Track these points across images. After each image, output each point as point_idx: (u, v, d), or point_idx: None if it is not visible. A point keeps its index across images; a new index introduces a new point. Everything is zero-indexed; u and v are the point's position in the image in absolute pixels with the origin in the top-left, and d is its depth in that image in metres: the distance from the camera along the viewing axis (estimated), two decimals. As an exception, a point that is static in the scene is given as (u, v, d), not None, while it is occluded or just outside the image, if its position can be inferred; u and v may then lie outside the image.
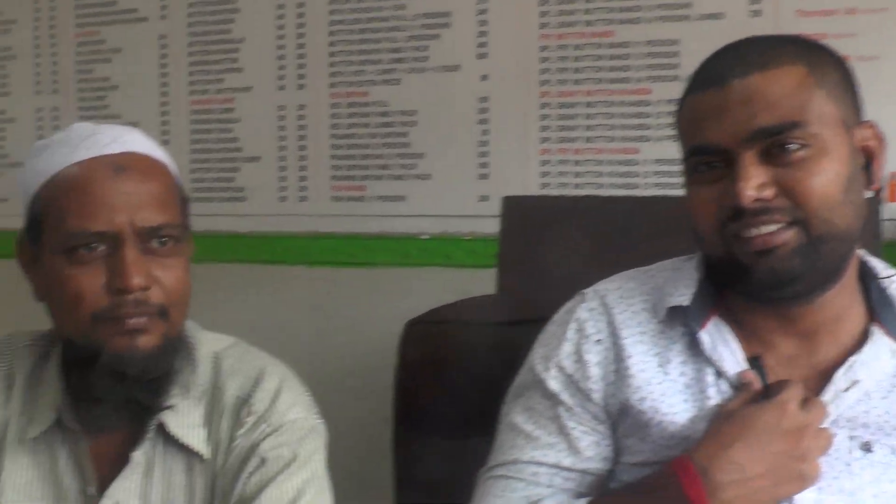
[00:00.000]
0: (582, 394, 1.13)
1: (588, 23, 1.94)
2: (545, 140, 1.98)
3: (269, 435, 1.16)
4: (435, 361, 1.46)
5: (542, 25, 1.98)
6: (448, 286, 2.00)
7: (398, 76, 2.10)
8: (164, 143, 2.27)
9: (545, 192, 1.97)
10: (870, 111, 1.08)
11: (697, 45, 1.86)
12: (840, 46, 1.15)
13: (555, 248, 1.50)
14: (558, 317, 1.20)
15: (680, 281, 1.13)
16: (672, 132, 1.86)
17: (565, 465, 1.13)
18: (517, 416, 1.17)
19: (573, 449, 1.13)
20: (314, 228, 2.20)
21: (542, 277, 1.53)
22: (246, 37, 2.25)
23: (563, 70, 1.97)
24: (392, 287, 2.11)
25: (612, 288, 1.18)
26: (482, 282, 1.91)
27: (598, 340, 1.14)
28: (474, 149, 2.03)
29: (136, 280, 1.06)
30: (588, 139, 1.96)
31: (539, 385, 1.16)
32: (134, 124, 2.23)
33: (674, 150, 1.86)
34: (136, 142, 1.15)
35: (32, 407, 1.19)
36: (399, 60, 2.10)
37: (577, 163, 1.97)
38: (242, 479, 1.14)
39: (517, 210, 1.64)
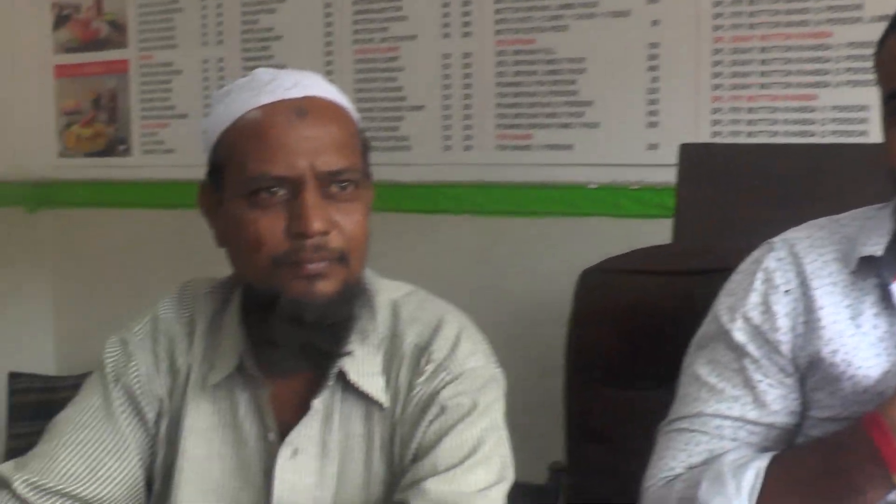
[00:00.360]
0: (769, 345, 1.20)
1: (765, -36, 2.09)
2: (717, 87, 2.15)
3: (448, 383, 1.22)
4: (611, 311, 1.54)
5: (717, -32, 2.13)
6: (615, 236, 2.16)
7: (566, 23, 2.30)
8: (329, 92, 2.57)
9: (716, 140, 2.14)
10: None
11: (884, -16, 1.99)
12: None
13: (735, 196, 1.61)
14: (744, 266, 1.27)
15: (873, 230, 1.19)
16: (853, 77, 2.02)
17: (750, 419, 1.20)
18: (701, 367, 1.24)
19: (759, 402, 1.19)
20: (479, 178, 2.43)
21: (722, 227, 1.63)
22: (411, -17, 2.49)
23: (737, 14, 2.12)
24: (557, 237, 2.30)
25: (802, 237, 1.24)
26: (651, 232, 2.06)
27: (787, 291, 1.21)
28: (643, 96, 2.21)
29: (316, 224, 1.13)
30: (762, 86, 2.11)
31: (724, 336, 1.23)
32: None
33: (854, 97, 2.03)
34: (318, 86, 1.22)
35: (214, 353, 1.28)
36: (567, 6, 2.29)
37: (750, 110, 2.13)
38: (422, 428, 1.21)
39: (695, 158, 1.74)
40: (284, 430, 1.24)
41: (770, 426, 1.21)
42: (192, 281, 1.37)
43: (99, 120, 3.06)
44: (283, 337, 1.18)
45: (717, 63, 2.14)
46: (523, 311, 2.30)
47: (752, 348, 1.21)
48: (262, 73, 1.23)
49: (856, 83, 2.04)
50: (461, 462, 1.18)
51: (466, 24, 2.42)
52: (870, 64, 2.01)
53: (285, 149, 1.15)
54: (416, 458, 1.21)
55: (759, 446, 1.20)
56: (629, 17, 2.23)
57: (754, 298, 1.23)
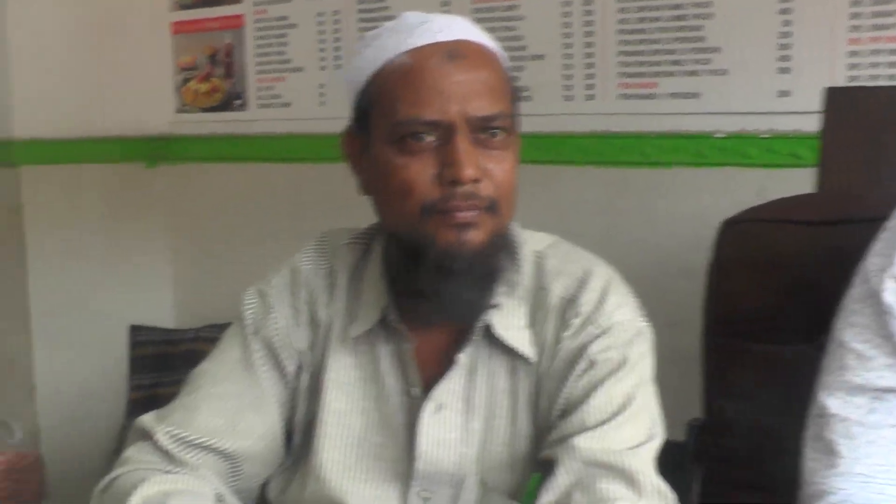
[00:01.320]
0: None
1: None
2: (855, 28, 2.09)
3: (597, 337, 1.22)
4: (754, 262, 1.53)
5: None
6: (743, 187, 2.15)
7: (695, -38, 2.26)
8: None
9: (854, 84, 2.09)
10: None
11: None
12: None
13: (884, 143, 1.58)
14: (893, 223, 1.23)
15: None
16: None
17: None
18: (846, 332, 1.22)
19: None
20: (602, 128, 2.42)
21: (870, 175, 1.61)
22: (531, -68, 2.48)
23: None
24: (684, 188, 2.29)
25: None
26: (783, 182, 2.05)
27: None
28: (774, 41, 2.16)
29: (469, 171, 1.11)
30: (906, 24, 2.05)
31: (873, 299, 1.20)
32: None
33: None
34: (468, 30, 1.21)
35: (355, 305, 1.28)
36: (692, -53, 2.26)
37: (892, 52, 2.07)
38: (570, 383, 1.21)
39: (841, 102, 1.72)
40: (428, 385, 1.25)
41: None
42: (330, 232, 1.37)
43: (215, 75, 3.14)
44: (431, 287, 1.17)
45: (855, 3, 2.08)
46: (648, 264, 2.29)
47: None
48: (411, 17, 1.22)
49: None
50: (611, 418, 1.17)
51: (590, -31, 2.40)
52: None
53: (436, 92, 1.13)
54: (564, 413, 1.21)
55: None
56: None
57: None
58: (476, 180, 1.13)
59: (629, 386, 1.20)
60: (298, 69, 2.95)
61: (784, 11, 2.15)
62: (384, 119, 1.17)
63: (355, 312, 1.28)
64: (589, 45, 2.42)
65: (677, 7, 2.28)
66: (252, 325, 1.30)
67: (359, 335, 1.27)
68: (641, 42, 2.35)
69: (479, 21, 2.51)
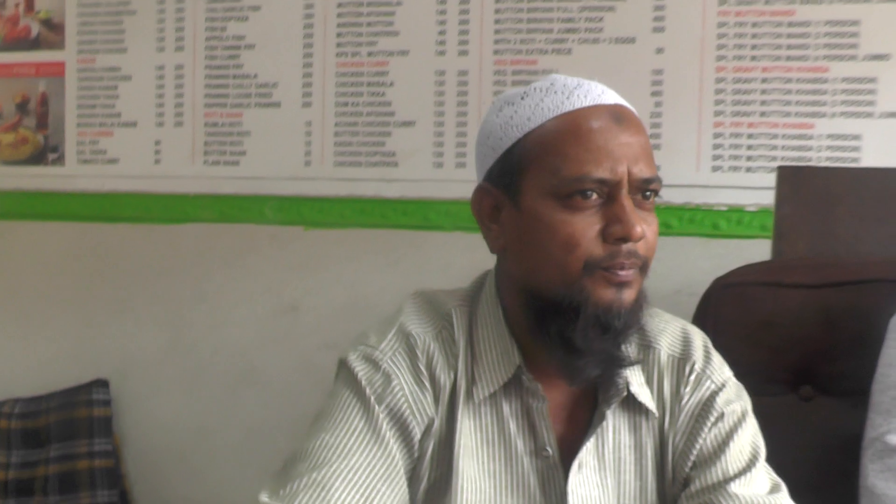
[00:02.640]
0: None
1: (767, 1, 2.32)
2: (719, 114, 2.35)
3: (716, 392, 1.30)
4: (751, 322, 1.63)
5: (721, 2, 2.34)
6: None
7: (569, 46, 2.44)
8: (306, 104, 2.60)
9: (717, 163, 2.34)
10: None
11: (877, 26, 2.26)
12: None
13: (832, 216, 1.78)
14: None
15: None
16: (847, 109, 2.26)
17: None
18: None
19: None
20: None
21: (821, 245, 1.80)
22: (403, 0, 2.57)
23: (740, 46, 2.33)
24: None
25: None
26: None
27: None
28: (646, 120, 2.37)
29: (639, 229, 1.15)
30: (763, 114, 2.34)
31: None
32: (271, 85, 2.59)
33: (848, 127, 2.27)
34: (619, 96, 1.26)
35: (476, 367, 1.27)
36: (571, 31, 2.44)
37: (750, 136, 2.34)
38: (702, 435, 1.28)
39: (792, 179, 1.92)
40: (560, 444, 1.27)
41: None
42: (422, 294, 1.37)
43: (24, 125, 2.93)
44: (588, 345, 1.18)
45: (719, 91, 2.35)
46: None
47: None
48: (565, 79, 1.25)
49: (849, 114, 2.29)
50: (749, 467, 1.26)
51: (463, 42, 2.52)
52: (862, 97, 2.29)
53: (608, 152, 1.17)
54: (698, 465, 1.28)
55: None
56: (634, 43, 2.40)
57: None
58: (640, 239, 1.17)
59: (752, 436, 1.30)
60: (130, 124, 2.82)
61: (656, 94, 2.38)
62: (546, 176, 1.19)
63: (478, 373, 1.27)
64: (461, 113, 2.52)
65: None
66: (374, 394, 1.25)
67: (485, 397, 1.27)
68: (515, 114, 2.48)
69: (343, 85, 2.62)
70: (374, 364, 1.27)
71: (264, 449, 2.69)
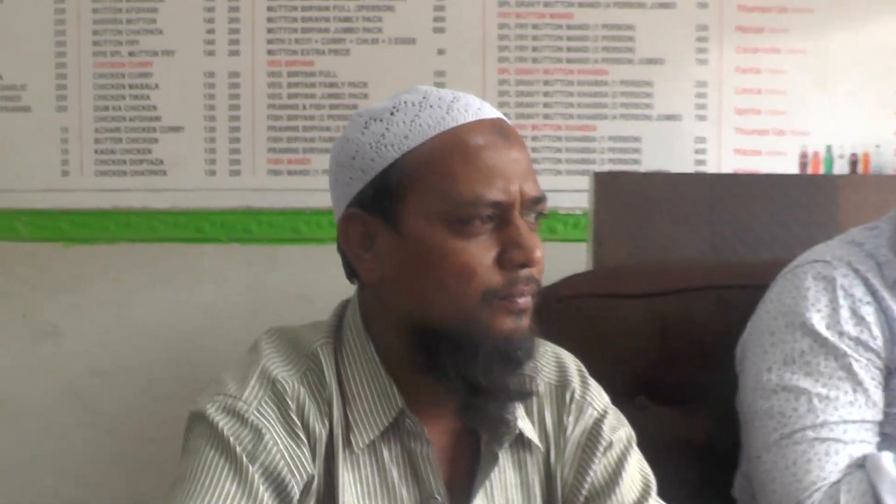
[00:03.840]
0: (872, 352, 1.37)
1: (547, 4, 2.32)
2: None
3: (601, 419, 1.23)
4: (589, 335, 1.57)
5: (501, 3, 2.32)
6: None
7: (347, 47, 2.36)
8: (61, 108, 2.40)
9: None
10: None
11: (651, 31, 2.31)
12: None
13: (645, 220, 1.78)
14: (811, 283, 1.43)
15: (882, 247, 1.43)
16: (627, 112, 2.30)
17: (868, 419, 1.36)
18: (802, 381, 1.38)
19: (871, 402, 1.36)
20: (248, 204, 2.40)
21: (637, 249, 1.80)
22: (166, -4, 2.41)
23: (521, 48, 2.32)
24: (337, 265, 2.34)
25: (844, 255, 1.44)
26: None
27: (868, 302, 1.39)
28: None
29: (539, 252, 1.07)
30: (546, 116, 2.34)
31: (824, 349, 1.38)
32: (19, 87, 2.37)
33: (628, 128, 2.31)
34: (493, 108, 1.15)
35: (352, 411, 1.15)
36: (348, 31, 2.35)
37: (534, 139, 2.34)
38: (593, 466, 1.21)
39: (608, 185, 1.90)
40: (449, 488, 1.17)
41: (877, 423, 1.38)
42: (279, 331, 1.21)
43: None
44: (490, 380, 1.09)
45: (503, 93, 2.33)
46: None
47: (857, 355, 1.37)
48: (438, 91, 1.14)
49: (629, 117, 2.32)
50: (644, 497, 1.22)
51: (234, 41, 2.39)
52: (640, 100, 2.34)
53: (498, 171, 1.08)
54: (590, 498, 1.22)
55: (874, 443, 1.36)
56: (415, 44, 2.34)
57: (845, 313, 1.39)
58: (539, 263, 1.09)
59: (639, 462, 1.25)
60: None
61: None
62: (434, 200, 1.08)
63: (353, 419, 1.14)
64: (234, 118, 2.39)
65: (332, 85, 2.36)
66: (244, 451, 1.10)
67: (365, 445, 1.13)
68: (293, 118, 2.38)
69: (102, 87, 2.42)
70: (240, 417, 1.11)
71: (30, 489, 2.47)
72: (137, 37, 2.41)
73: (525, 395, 1.17)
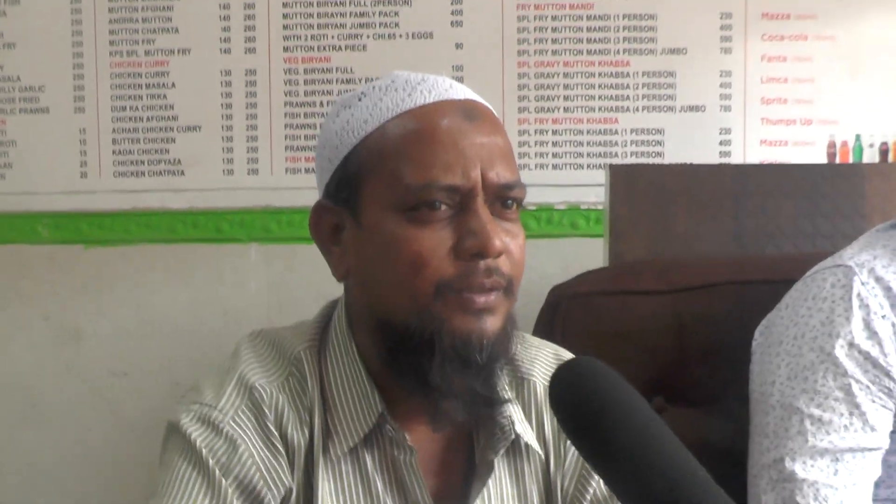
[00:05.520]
0: (879, 369, 1.27)
1: (566, -7, 2.30)
2: (523, 110, 2.31)
3: None
4: (602, 333, 1.54)
5: (520, -5, 2.31)
6: None
7: (364, 42, 2.35)
8: (79, 109, 2.41)
9: (523, 161, 2.30)
10: None
11: (673, 20, 2.28)
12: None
13: (671, 214, 1.75)
14: (828, 293, 1.34)
15: None
16: (649, 103, 2.27)
17: (864, 445, 1.26)
18: (798, 398, 1.29)
19: (867, 427, 1.26)
20: (267, 203, 2.40)
21: (655, 244, 1.77)
22: (182, -6, 2.41)
23: (541, 41, 2.30)
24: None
25: (869, 258, 1.34)
26: None
27: (884, 316, 1.29)
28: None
29: (497, 242, 1.00)
30: (566, 109, 2.31)
31: (826, 365, 1.29)
32: (38, 88, 2.38)
33: (651, 121, 2.28)
34: (469, 90, 1.10)
35: (332, 417, 1.10)
36: (365, 26, 2.34)
37: (555, 132, 2.31)
38: (595, 479, 1.15)
39: (623, 178, 1.86)
40: (436, 499, 1.12)
41: (878, 449, 1.29)
42: (261, 335, 1.16)
43: None
44: (447, 383, 1.02)
45: (522, 87, 2.30)
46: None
47: (860, 374, 1.28)
48: (408, 75, 1.09)
49: (651, 108, 2.29)
50: None
51: (250, 39, 2.38)
52: (662, 91, 2.31)
53: (456, 154, 1.01)
54: None
55: (871, 473, 1.28)
56: (432, 39, 2.32)
57: (857, 325, 1.29)
58: (499, 254, 1.01)
59: None
60: None
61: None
62: (387, 186, 1.03)
63: (333, 425, 1.09)
64: (251, 116, 2.39)
65: (349, 81, 2.35)
66: (218, 464, 1.05)
67: (346, 451, 1.08)
68: (310, 115, 2.37)
69: (118, 87, 2.43)
70: (214, 427, 1.06)
71: (53, 491, 2.49)
72: (153, 36, 2.41)
73: (495, 401, 1.08)
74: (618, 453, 0.77)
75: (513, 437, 1.11)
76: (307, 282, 2.41)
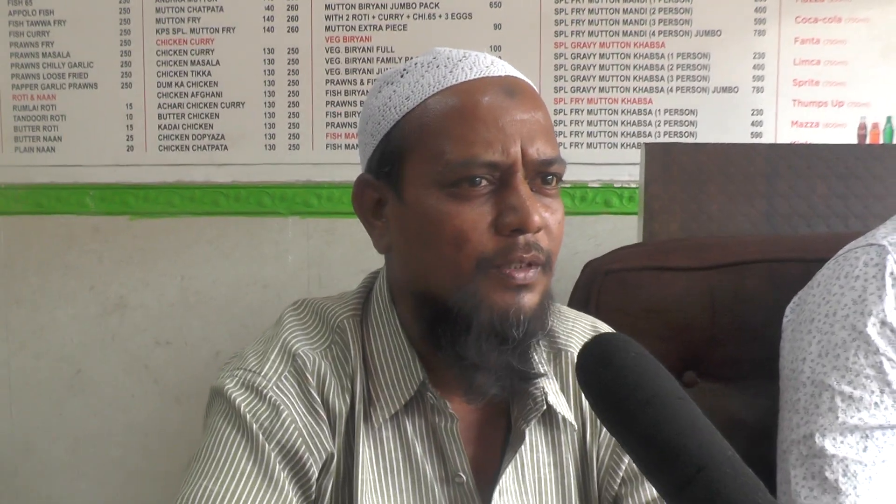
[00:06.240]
0: None
1: (603, -24, 2.34)
2: (559, 90, 2.36)
3: None
4: (637, 309, 1.56)
5: (558, -24, 2.35)
6: None
7: (404, 22, 2.40)
8: (126, 85, 2.48)
9: (559, 140, 2.35)
10: None
11: (708, 2, 2.32)
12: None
13: (706, 194, 1.78)
14: (860, 271, 1.35)
15: None
16: (683, 84, 2.31)
17: (894, 424, 1.27)
18: (830, 375, 1.31)
19: None
20: (307, 178, 2.47)
21: (690, 223, 1.80)
22: (227, -25, 2.47)
23: (577, 22, 2.35)
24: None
25: None
26: None
27: None
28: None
29: (536, 217, 1.01)
30: (602, 89, 2.36)
31: (858, 343, 1.30)
32: (86, 64, 2.45)
33: (684, 101, 2.32)
34: (510, 67, 1.10)
35: (374, 385, 1.12)
36: (405, 6, 2.39)
37: (590, 112, 2.37)
38: None
39: (659, 157, 1.89)
40: (474, 467, 1.13)
41: None
42: (307, 303, 1.18)
43: None
44: (483, 358, 1.03)
45: (559, 66, 2.35)
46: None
47: (892, 352, 1.29)
48: (450, 51, 1.10)
49: (685, 89, 2.34)
50: None
51: (293, 18, 2.44)
52: (696, 72, 2.35)
53: (496, 130, 1.02)
54: (627, 481, 1.19)
55: None
56: (471, 19, 2.38)
57: (890, 303, 1.30)
58: (539, 229, 1.02)
59: None
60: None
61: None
62: (429, 162, 1.04)
63: (375, 393, 1.11)
64: (293, 93, 2.45)
65: (390, 60, 2.41)
66: (261, 429, 1.07)
67: (387, 419, 1.10)
68: (350, 92, 2.43)
69: (164, 63, 2.50)
70: (258, 393, 1.08)
71: (96, 460, 2.58)
72: (199, 14, 2.48)
73: (531, 375, 1.10)
74: (643, 429, 0.78)
75: (544, 408, 1.13)
76: (345, 255, 2.48)
